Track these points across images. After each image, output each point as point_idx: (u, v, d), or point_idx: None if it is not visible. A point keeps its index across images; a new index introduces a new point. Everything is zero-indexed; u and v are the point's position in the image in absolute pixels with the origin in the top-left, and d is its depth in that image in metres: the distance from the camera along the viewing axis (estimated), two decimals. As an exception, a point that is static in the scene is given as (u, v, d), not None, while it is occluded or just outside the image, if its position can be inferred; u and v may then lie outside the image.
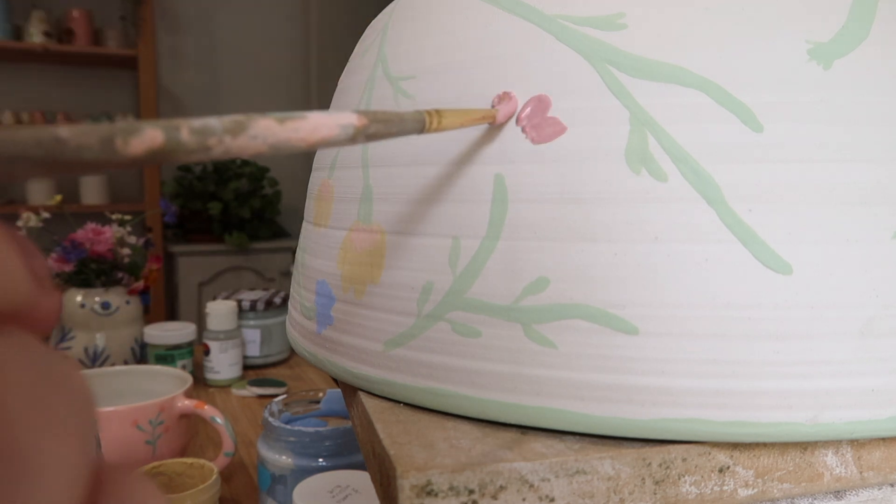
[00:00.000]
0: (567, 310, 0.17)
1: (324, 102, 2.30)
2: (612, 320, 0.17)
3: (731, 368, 0.16)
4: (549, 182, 0.18)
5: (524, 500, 0.16)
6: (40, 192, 1.91)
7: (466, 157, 0.19)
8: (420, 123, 0.15)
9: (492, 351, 0.18)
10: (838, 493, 0.19)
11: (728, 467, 0.17)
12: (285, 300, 0.81)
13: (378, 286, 0.21)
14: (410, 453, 0.16)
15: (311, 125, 0.12)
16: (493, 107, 0.19)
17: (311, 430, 0.41)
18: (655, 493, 0.17)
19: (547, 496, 0.16)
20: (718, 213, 0.16)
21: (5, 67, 1.99)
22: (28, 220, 0.76)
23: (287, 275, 2.08)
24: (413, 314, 0.20)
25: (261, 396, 0.71)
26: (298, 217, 2.29)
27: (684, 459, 0.17)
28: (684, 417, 0.16)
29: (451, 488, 0.15)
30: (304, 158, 2.38)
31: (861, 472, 0.18)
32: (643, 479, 0.16)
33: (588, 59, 0.18)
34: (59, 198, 0.82)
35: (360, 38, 0.29)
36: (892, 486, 0.20)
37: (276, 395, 0.66)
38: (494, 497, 0.15)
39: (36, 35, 1.86)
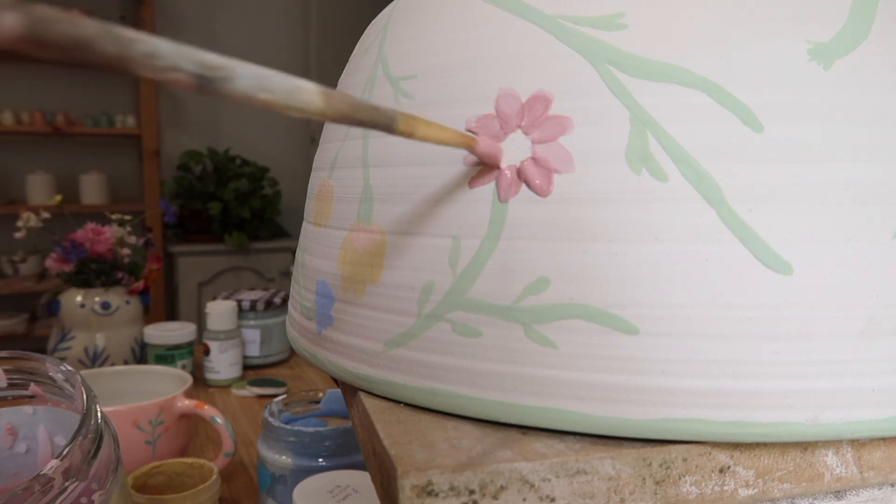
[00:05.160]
0: (567, 310, 0.17)
1: None
2: (613, 320, 0.17)
3: (731, 368, 0.16)
4: (551, 182, 0.18)
5: (524, 500, 0.16)
6: (40, 192, 1.91)
7: (467, 157, 0.19)
8: (392, 122, 0.15)
9: (492, 351, 0.18)
10: (838, 493, 0.19)
11: (728, 467, 0.17)
12: (285, 300, 0.81)
13: (378, 286, 0.21)
14: (411, 453, 0.16)
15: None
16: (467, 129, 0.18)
17: (310, 430, 0.41)
18: (656, 494, 0.17)
19: (548, 496, 0.16)
20: (719, 213, 0.16)
21: (5, 67, 1.99)
22: (28, 220, 0.76)
23: (287, 275, 2.08)
24: (413, 314, 0.20)
25: (261, 396, 0.71)
26: (298, 217, 2.29)
27: (685, 459, 0.17)
28: (685, 417, 0.16)
29: (452, 488, 0.15)
30: (304, 158, 2.37)
31: (861, 472, 0.18)
32: (644, 479, 0.16)
33: (588, 59, 0.18)
34: (59, 198, 0.82)
35: (360, 38, 0.29)
36: (892, 486, 0.20)
37: (276, 395, 0.66)
38: (495, 497, 0.15)
39: None
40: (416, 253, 0.20)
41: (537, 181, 0.18)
